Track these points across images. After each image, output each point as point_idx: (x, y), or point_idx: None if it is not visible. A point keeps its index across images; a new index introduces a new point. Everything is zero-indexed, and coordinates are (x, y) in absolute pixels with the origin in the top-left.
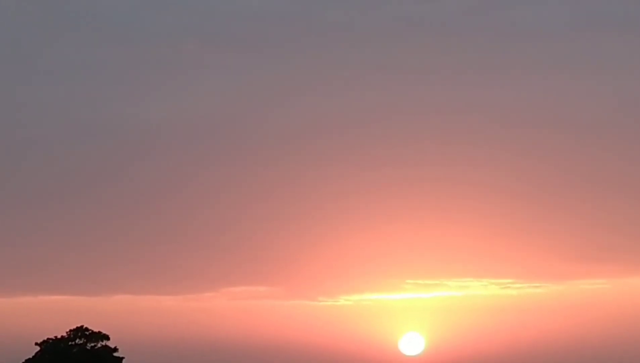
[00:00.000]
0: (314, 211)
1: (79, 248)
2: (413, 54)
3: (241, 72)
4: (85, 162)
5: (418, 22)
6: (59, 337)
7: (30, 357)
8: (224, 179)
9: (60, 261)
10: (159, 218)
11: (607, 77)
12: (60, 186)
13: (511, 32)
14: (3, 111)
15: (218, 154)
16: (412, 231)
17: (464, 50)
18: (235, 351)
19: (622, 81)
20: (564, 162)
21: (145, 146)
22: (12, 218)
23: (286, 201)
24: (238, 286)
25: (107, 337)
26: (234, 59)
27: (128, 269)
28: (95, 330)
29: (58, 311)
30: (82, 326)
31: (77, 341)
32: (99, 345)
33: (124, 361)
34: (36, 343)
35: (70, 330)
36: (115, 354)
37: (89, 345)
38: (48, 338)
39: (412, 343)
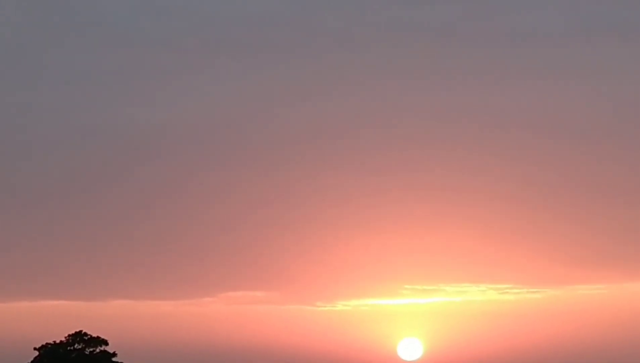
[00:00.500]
0: (313, 217)
1: (78, 253)
2: (412, 59)
3: (242, 76)
4: (86, 166)
5: (417, 27)
6: (57, 341)
7: (29, 361)
8: (222, 184)
9: (59, 266)
10: (157, 223)
11: (606, 82)
12: (60, 190)
13: (510, 38)
14: (4, 114)
15: (217, 159)
16: (410, 236)
17: (462, 55)
18: (234, 356)
19: (621, 86)
20: (563, 168)
21: (144, 151)
22: (11, 222)
23: (284, 206)
24: (236, 291)
25: (105, 342)
26: (235, 63)
27: (127, 274)
28: (94, 335)
29: (57, 316)
30: (80, 331)
31: (75, 346)
32: (97, 350)
33: None
34: (35, 348)
35: (69, 335)
36: (113, 359)
37: (87, 350)
38: (47, 343)
39: (410, 348)
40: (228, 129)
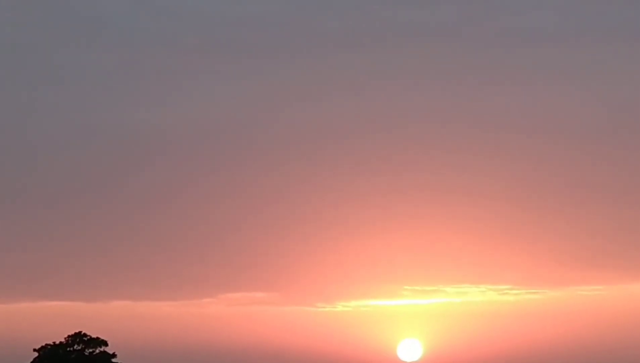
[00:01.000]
0: (313, 218)
1: (78, 254)
2: (412, 60)
3: (243, 77)
4: (87, 167)
5: (418, 28)
6: (57, 342)
7: (29, 362)
8: (223, 185)
9: (59, 267)
10: (157, 224)
11: (604, 83)
12: (61, 191)
13: (510, 39)
14: (5, 115)
15: (217, 160)
16: (410, 237)
17: (463, 56)
18: (234, 357)
19: (620, 87)
20: (562, 169)
21: (145, 152)
22: (11, 223)
23: (285, 207)
24: (236, 292)
25: (105, 343)
26: (236, 65)
27: (127, 275)
28: (94, 335)
29: (56, 317)
30: (80, 332)
31: (75, 347)
32: (97, 351)
33: None
34: (34, 349)
35: (69, 336)
36: (113, 360)
37: (87, 351)
38: (46, 344)
39: (410, 349)
40: (228, 131)
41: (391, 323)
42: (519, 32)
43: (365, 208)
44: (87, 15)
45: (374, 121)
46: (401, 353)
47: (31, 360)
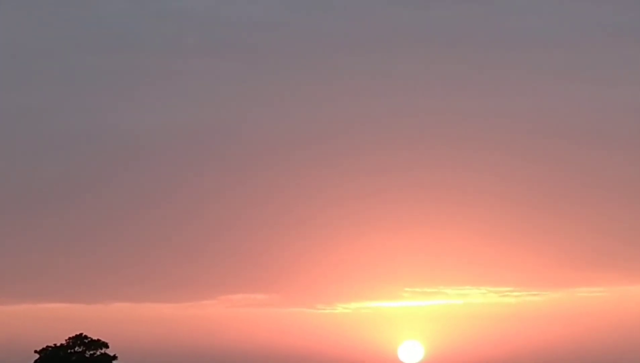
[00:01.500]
0: (312, 219)
1: (78, 256)
2: (412, 62)
3: (239, 79)
4: (86, 169)
5: (416, 30)
6: (58, 344)
7: None
8: (221, 186)
9: (60, 268)
10: (157, 225)
11: (607, 84)
12: (59, 193)
13: (511, 40)
14: (4, 116)
15: (216, 160)
16: (410, 238)
17: (461, 58)
18: (234, 358)
19: (622, 88)
20: (564, 169)
21: (143, 153)
22: (11, 225)
23: (284, 208)
24: (236, 293)
25: (106, 345)
26: (234, 67)
27: (127, 277)
28: (95, 337)
29: (57, 319)
30: (81, 334)
31: (76, 349)
32: (98, 353)
33: None
34: (35, 351)
35: (70, 338)
36: (114, 362)
37: (88, 353)
38: (47, 346)
39: (411, 351)
40: (228, 131)
41: (391, 325)
42: (523, 33)
43: (365, 209)
44: (82, 18)
45: (374, 121)
46: (402, 355)
47: (32, 362)
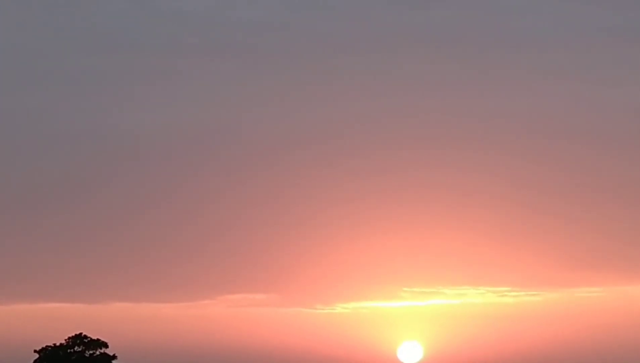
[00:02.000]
0: (311, 219)
1: (78, 256)
2: (412, 62)
3: (239, 79)
4: (84, 169)
5: (414, 30)
6: (57, 344)
7: None
8: (221, 186)
9: (59, 268)
10: (157, 225)
11: (606, 84)
12: (59, 193)
13: (511, 41)
14: (4, 118)
15: (215, 161)
16: (408, 238)
17: (462, 58)
18: (233, 358)
19: (621, 88)
20: (561, 170)
21: (142, 154)
22: (10, 225)
23: (283, 208)
24: (235, 293)
25: (105, 345)
26: (231, 67)
27: (126, 277)
28: (94, 337)
29: (57, 319)
30: (80, 333)
31: (75, 348)
32: (97, 353)
33: None
34: (35, 351)
35: (69, 338)
36: (113, 361)
37: (87, 353)
38: (47, 346)
39: (410, 351)
40: (226, 132)
41: (390, 325)
42: (519, 35)
43: (364, 209)
44: (81, 19)
45: (373, 122)
46: (401, 355)
47: (32, 361)
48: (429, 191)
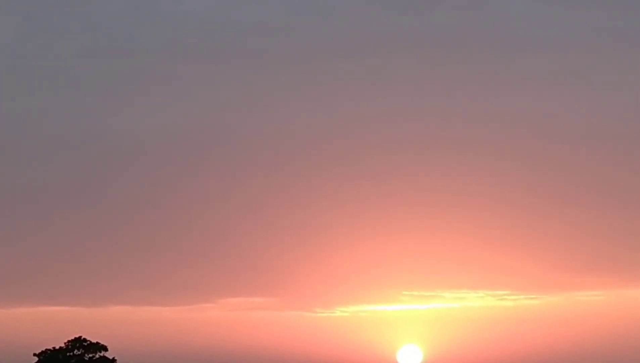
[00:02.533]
0: (311, 223)
1: (77, 259)
2: (411, 66)
3: (240, 82)
4: (85, 172)
5: (414, 33)
6: (57, 347)
7: None
8: (221, 190)
9: (59, 272)
10: (157, 229)
11: (604, 88)
12: (59, 197)
13: (509, 45)
14: (3, 120)
15: (216, 164)
16: (408, 242)
17: (460, 62)
18: (233, 362)
19: (619, 92)
20: (561, 173)
21: (143, 157)
22: (10, 228)
23: (283, 212)
24: (235, 297)
25: (105, 348)
26: (234, 70)
27: (126, 280)
28: (94, 340)
29: (56, 322)
30: (80, 337)
31: (75, 352)
32: (97, 356)
33: None
34: (34, 354)
35: (69, 341)
36: None
37: (87, 356)
38: (46, 349)
39: (410, 354)
40: (225, 135)
41: (390, 329)
42: (517, 39)
43: (364, 213)
44: (79, 22)
45: (373, 126)
46: (401, 359)
47: None
48: (428, 195)
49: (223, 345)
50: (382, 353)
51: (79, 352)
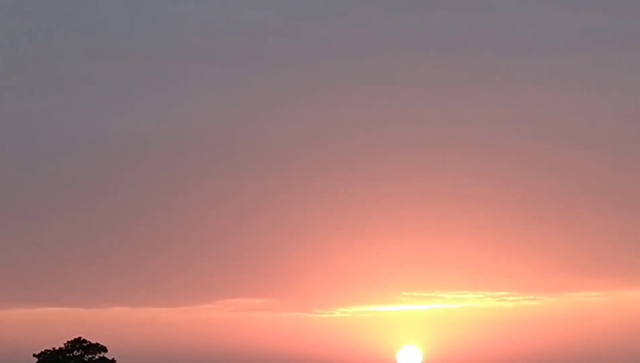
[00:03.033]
0: (311, 224)
1: (77, 260)
2: (412, 68)
3: (239, 84)
4: (84, 173)
5: (413, 35)
6: (57, 348)
7: None
8: (220, 191)
9: (58, 273)
10: (156, 230)
11: (603, 90)
12: (59, 198)
13: (509, 47)
14: (3, 122)
15: (215, 166)
16: (407, 243)
17: (460, 64)
18: (232, 362)
19: (619, 94)
20: (560, 175)
21: (142, 158)
22: (10, 229)
23: (282, 213)
24: (234, 298)
25: (104, 349)
26: (230, 72)
27: (125, 281)
28: (93, 341)
29: (56, 323)
30: (80, 338)
31: (75, 353)
32: (96, 357)
33: None
34: (34, 355)
35: (68, 342)
36: None
37: (86, 357)
38: (46, 350)
39: (409, 355)
40: (225, 136)
41: (389, 330)
42: (516, 41)
43: (363, 214)
44: (79, 23)
45: (372, 127)
46: (401, 360)
47: None
48: (428, 196)
49: (223, 346)
50: (382, 354)
51: (79, 353)
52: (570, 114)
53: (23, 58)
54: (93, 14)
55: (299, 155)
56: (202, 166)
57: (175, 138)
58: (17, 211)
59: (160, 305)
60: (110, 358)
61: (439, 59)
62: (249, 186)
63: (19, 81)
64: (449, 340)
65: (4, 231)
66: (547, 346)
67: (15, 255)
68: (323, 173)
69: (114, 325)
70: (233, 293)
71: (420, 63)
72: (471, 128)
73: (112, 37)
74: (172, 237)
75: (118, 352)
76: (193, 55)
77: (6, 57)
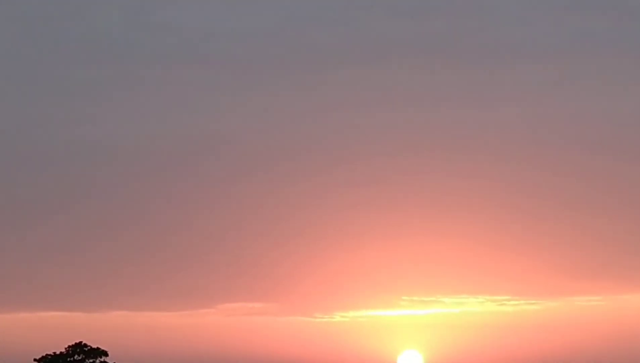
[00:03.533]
0: (310, 227)
1: (77, 265)
2: (408, 72)
3: (237, 90)
4: (81, 177)
5: (410, 41)
6: (57, 353)
7: None
8: (219, 195)
9: (59, 277)
10: (155, 234)
11: (605, 95)
12: (57, 202)
13: (507, 51)
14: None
15: (214, 169)
16: (408, 247)
17: (458, 68)
18: None
19: (619, 97)
20: (561, 178)
21: (141, 162)
22: (9, 233)
23: (282, 217)
24: (234, 302)
25: (105, 353)
26: (228, 76)
27: (126, 285)
28: (94, 346)
29: (56, 328)
30: (80, 342)
31: (75, 357)
32: (97, 361)
33: None
34: (35, 360)
35: (69, 346)
36: None
37: (87, 361)
38: (47, 354)
39: (410, 360)
40: (223, 140)
41: (389, 334)
42: (515, 46)
43: (363, 218)
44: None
45: (370, 131)
46: None
47: None
48: (428, 199)
49: (222, 350)
50: (382, 359)
51: (79, 357)
52: (571, 117)
53: (17, 64)
54: (88, 20)
55: (297, 158)
56: (201, 169)
57: (172, 142)
58: (15, 215)
59: (160, 309)
60: (110, 362)
61: (437, 63)
62: (248, 190)
63: (14, 86)
64: (449, 344)
65: (4, 235)
66: (548, 350)
67: (16, 259)
68: (323, 176)
69: (114, 329)
70: (232, 298)
71: (418, 68)
72: (471, 133)
73: (106, 42)
74: (172, 241)
75: (118, 356)
76: (188, 60)
77: (2, 62)
